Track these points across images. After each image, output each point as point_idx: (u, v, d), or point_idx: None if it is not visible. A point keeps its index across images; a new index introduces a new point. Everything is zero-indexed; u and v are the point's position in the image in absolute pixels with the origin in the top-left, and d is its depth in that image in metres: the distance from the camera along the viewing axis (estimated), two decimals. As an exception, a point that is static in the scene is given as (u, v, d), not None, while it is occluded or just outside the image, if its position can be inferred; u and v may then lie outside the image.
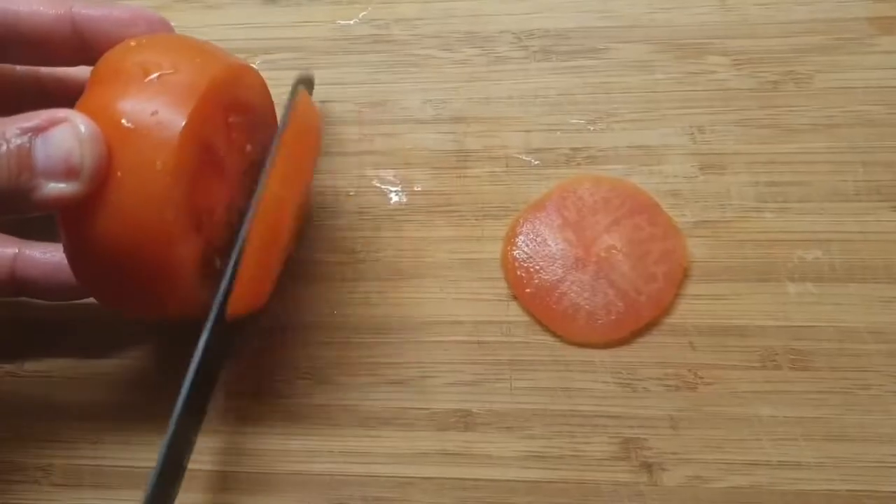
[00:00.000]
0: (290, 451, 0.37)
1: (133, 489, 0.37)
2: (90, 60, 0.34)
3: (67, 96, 0.37)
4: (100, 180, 0.30)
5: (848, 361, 0.35)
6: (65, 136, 0.29)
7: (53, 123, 0.29)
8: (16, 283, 0.37)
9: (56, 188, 0.29)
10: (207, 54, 0.34)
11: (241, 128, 0.36)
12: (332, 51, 0.44)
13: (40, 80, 0.38)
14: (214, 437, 0.38)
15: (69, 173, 0.29)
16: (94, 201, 0.30)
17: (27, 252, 0.37)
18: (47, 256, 0.37)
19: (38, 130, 0.29)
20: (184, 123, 0.31)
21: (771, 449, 0.34)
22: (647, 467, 0.35)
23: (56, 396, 0.39)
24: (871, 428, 0.34)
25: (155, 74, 0.31)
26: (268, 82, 0.38)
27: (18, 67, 0.37)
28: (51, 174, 0.29)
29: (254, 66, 0.43)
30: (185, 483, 0.36)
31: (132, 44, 0.33)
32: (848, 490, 0.33)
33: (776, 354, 0.35)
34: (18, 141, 0.29)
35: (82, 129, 0.29)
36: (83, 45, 0.34)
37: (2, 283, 0.36)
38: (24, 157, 0.29)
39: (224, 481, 0.37)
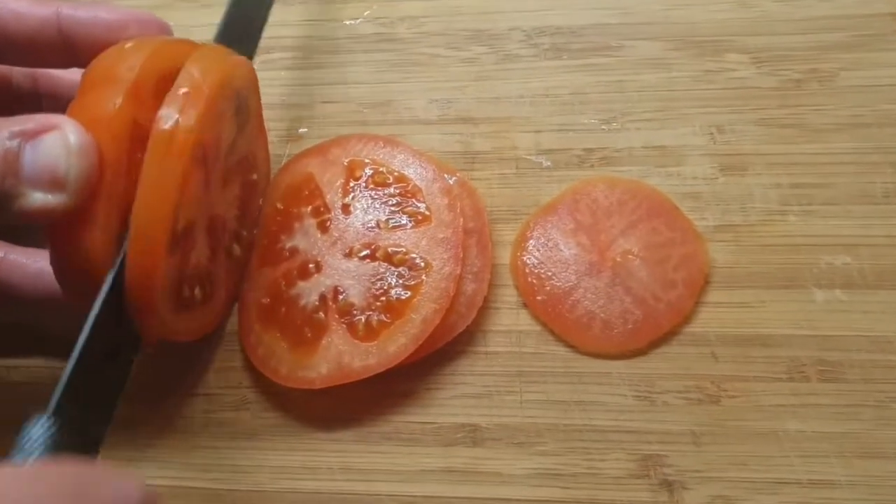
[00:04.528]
0: (287, 467, 0.35)
1: None
2: (81, 63, 0.33)
3: (62, 99, 0.36)
4: (88, 194, 0.28)
5: (881, 373, 0.33)
6: (53, 144, 0.28)
7: (45, 129, 0.28)
8: None
9: (40, 199, 0.28)
10: (208, 57, 0.32)
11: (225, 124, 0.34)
12: (335, 50, 0.42)
13: (36, 82, 0.37)
14: (208, 453, 0.36)
15: (54, 184, 0.27)
16: (81, 214, 0.29)
17: (12, 256, 0.36)
18: (31, 261, 0.36)
19: (28, 135, 0.28)
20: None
21: (800, 466, 0.33)
22: (668, 486, 0.33)
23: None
24: (908, 444, 0.32)
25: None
26: (266, 82, 0.37)
27: (15, 69, 0.37)
28: (35, 183, 0.28)
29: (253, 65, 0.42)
30: (180, 501, 0.35)
31: (127, 46, 0.32)
32: (883, 511, 0.32)
33: (804, 365, 0.34)
34: (7, 144, 0.27)
35: (72, 139, 0.28)
36: (71, 47, 0.33)
37: None
38: (10, 162, 0.27)
39: (219, 499, 0.35)
